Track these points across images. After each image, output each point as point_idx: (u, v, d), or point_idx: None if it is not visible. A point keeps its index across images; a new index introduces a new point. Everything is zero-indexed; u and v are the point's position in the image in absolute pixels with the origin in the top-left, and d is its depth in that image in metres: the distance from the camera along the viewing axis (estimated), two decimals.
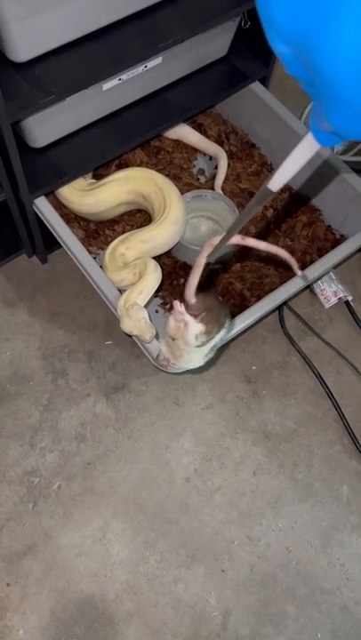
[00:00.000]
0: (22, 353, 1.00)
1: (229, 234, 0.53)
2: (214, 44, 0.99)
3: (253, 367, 1.02)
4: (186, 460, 0.94)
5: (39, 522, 0.88)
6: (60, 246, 0.95)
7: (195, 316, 0.64)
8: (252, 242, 0.54)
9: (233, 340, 0.98)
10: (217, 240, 0.55)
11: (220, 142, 1.15)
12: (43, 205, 0.93)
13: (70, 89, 0.77)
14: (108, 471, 0.93)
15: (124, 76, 0.88)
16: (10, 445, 0.93)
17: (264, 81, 1.08)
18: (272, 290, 0.92)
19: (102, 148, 0.95)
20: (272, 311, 0.99)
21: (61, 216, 0.94)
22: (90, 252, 0.95)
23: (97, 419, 0.96)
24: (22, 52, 0.75)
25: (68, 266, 1.04)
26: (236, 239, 0.53)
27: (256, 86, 1.07)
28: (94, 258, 0.97)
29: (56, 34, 0.77)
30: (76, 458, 0.93)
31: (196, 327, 0.64)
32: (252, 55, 1.06)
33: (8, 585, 0.84)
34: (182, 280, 1.03)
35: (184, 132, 1.13)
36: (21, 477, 0.91)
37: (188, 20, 0.83)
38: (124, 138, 0.96)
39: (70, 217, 1.06)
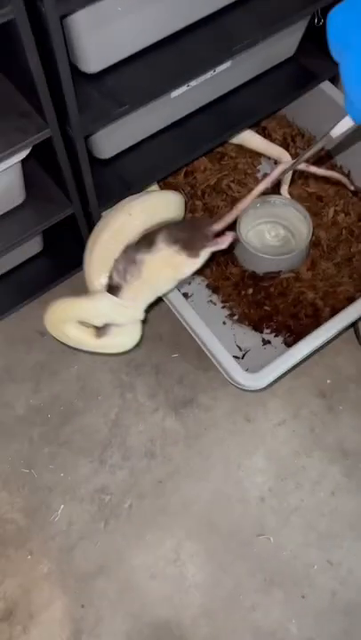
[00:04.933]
0: (90, 367, 0.99)
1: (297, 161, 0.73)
2: (284, 43, 0.95)
3: (328, 381, 0.97)
4: (260, 479, 0.90)
5: (111, 541, 0.87)
6: None
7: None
8: (313, 169, 0.75)
9: None
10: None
11: (285, 145, 1.11)
12: None
13: (143, 98, 0.74)
14: (179, 489, 0.90)
15: (193, 82, 0.85)
16: (80, 462, 0.92)
17: (334, 80, 1.03)
18: (347, 298, 0.87)
19: (168, 157, 0.93)
20: None
21: None
22: None
23: (166, 434, 0.94)
24: (94, 62, 0.73)
25: None
26: (301, 166, 0.74)
27: (326, 85, 1.02)
28: None
29: (127, 43, 0.74)
30: (146, 475, 0.91)
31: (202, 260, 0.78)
32: (321, 53, 1.01)
33: (83, 606, 0.83)
34: (250, 290, 1.00)
35: (246, 136, 1.10)
36: (92, 495, 0.90)
37: (262, 21, 0.79)
38: (191, 146, 0.93)
39: None
